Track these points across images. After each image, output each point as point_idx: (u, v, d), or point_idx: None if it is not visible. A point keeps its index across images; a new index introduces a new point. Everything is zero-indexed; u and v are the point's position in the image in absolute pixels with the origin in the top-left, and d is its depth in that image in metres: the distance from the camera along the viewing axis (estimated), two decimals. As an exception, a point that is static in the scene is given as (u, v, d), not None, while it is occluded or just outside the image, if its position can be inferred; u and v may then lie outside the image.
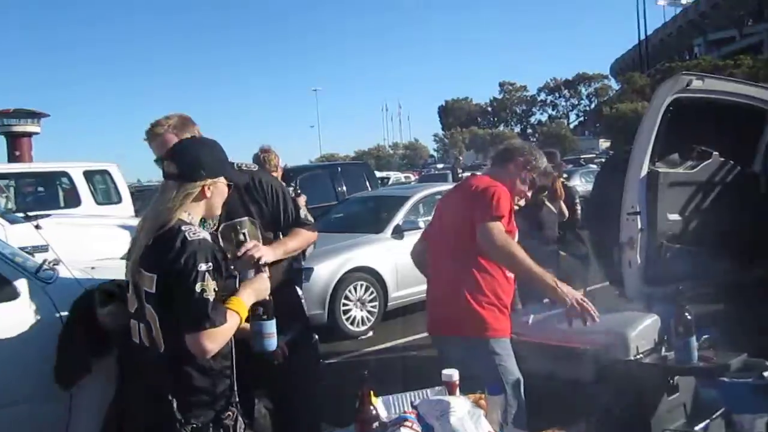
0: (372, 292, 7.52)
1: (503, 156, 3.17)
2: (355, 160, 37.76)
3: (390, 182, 26.19)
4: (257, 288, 2.24)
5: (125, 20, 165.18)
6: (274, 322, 2.29)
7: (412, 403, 2.34)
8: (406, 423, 2.16)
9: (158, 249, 2.02)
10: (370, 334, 7.34)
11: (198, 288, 1.97)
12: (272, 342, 2.30)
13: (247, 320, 2.21)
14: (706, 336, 3.47)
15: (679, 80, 4.02)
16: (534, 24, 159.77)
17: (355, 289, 7.38)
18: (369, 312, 7.49)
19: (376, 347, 6.78)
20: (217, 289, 2.02)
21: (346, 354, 6.51)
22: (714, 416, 3.36)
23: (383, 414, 2.28)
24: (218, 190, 2.19)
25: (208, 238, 2.10)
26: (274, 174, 5.24)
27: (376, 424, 2.15)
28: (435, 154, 70.25)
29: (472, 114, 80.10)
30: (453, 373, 2.39)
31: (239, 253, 2.55)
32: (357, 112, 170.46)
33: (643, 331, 3.44)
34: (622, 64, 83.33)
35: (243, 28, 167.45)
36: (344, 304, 7.27)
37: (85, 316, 2.67)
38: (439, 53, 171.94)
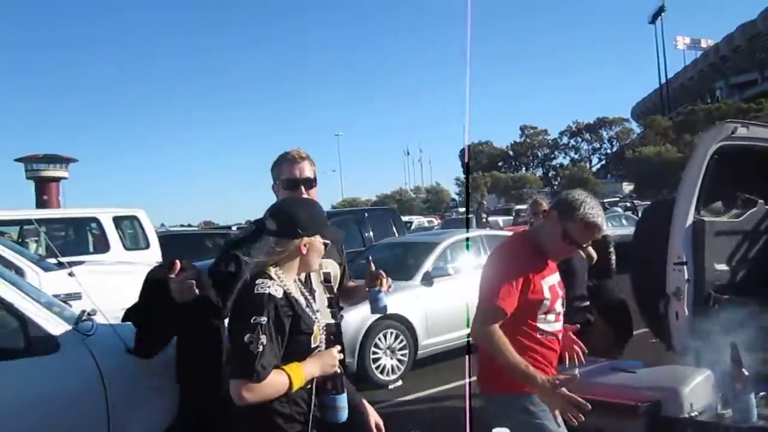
0: (402, 340, 7.39)
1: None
2: (377, 205, 37.86)
3: (413, 227, 26.15)
4: (324, 362, 2.25)
5: (143, 62, 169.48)
6: (345, 396, 2.29)
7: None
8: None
9: (236, 296, 2.13)
10: (400, 382, 7.18)
11: (246, 339, 2.02)
12: (343, 414, 2.29)
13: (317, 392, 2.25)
14: (763, 393, 3.34)
15: (724, 128, 3.97)
16: (554, 68, 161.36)
17: (385, 337, 7.26)
18: (399, 360, 7.35)
19: (407, 397, 6.62)
20: (266, 343, 2.02)
21: (378, 404, 6.35)
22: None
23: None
24: (314, 247, 2.29)
25: (278, 294, 2.13)
26: None
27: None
28: (456, 197, 70.28)
29: (494, 158, 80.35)
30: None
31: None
32: (378, 156, 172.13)
33: (696, 386, 3.32)
34: (642, 107, 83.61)
35: (266, 69, 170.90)
36: (374, 352, 7.13)
37: (158, 287, 2.64)
38: (459, 97, 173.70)
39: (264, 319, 2.04)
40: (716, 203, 4.23)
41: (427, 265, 8.02)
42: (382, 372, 7.18)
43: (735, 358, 3.11)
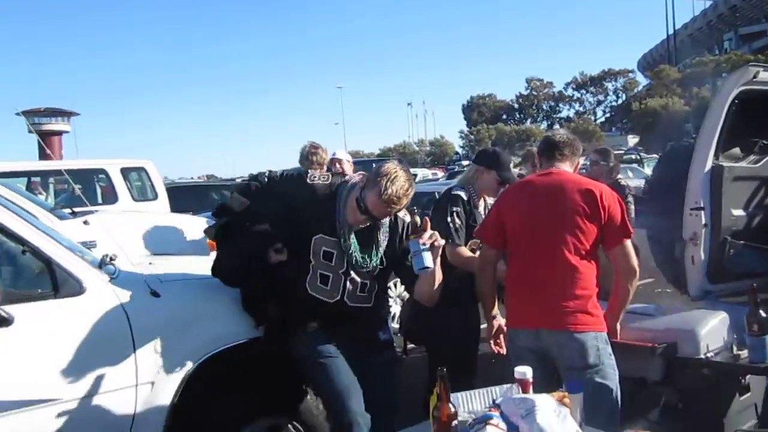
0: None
1: (575, 150, 3.26)
2: (382, 157, 37.69)
3: (417, 179, 26.10)
4: None
5: (142, 16, 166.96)
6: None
7: (494, 400, 2.28)
8: (491, 422, 2.11)
9: None
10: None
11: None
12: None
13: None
14: (778, 335, 3.37)
15: (747, 71, 3.91)
16: (559, 20, 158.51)
17: (395, 285, 7.31)
18: (409, 308, 7.40)
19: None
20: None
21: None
22: (790, 417, 3.26)
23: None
24: None
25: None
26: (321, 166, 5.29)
27: (455, 423, 2.11)
28: (460, 150, 69.86)
29: (498, 111, 79.60)
30: (527, 371, 2.34)
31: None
32: (381, 109, 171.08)
33: (712, 329, 3.37)
34: (649, 59, 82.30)
35: (267, 24, 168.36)
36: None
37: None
38: (463, 50, 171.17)
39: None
40: (734, 149, 4.21)
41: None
42: (392, 320, 7.25)
43: (753, 301, 3.13)
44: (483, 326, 3.71)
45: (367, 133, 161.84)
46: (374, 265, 2.95)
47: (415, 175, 27.13)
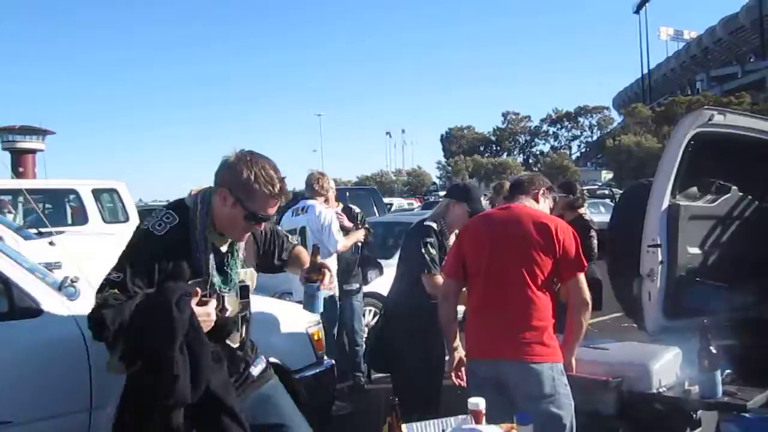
0: (378, 317, 7.44)
1: (534, 183, 3.32)
2: (359, 185, 37.78)
3: (393, 208, 26.18)
4: None
5: (125, 35, 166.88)
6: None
7: (443, 431, 2.31)
8: (440, 452, 2.14)
9: None
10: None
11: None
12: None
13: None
14: (728, 371, 3.45)
15: (702, 114, 4.05)
16: (537, 56, 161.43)
17: (363, 315, 7.31)
18: (377, 337, 7.39)
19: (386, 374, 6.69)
20: None
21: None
22: (737, 453, 3.32)
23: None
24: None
25: None
26: (324, 197, 5.50)
27: (405, 453, 2.13)
28: (437, 181, 70.39)
29: (475, 143, 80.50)
30: (479, 402, 2.37)
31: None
32: (360, 137, 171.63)
33: (665, 364, 3.43)
34: (624, 96, 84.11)
35: (248, 47, 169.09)
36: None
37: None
38: (442, 82, 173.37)
39: None
40: (691, 188, 4.33)
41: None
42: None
43: (704, 337, 3.21)
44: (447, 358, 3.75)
45: (345, 161, 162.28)
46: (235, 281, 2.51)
47: (391, 205, 27.06)
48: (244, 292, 2.57)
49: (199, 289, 2.27)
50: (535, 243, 3.00)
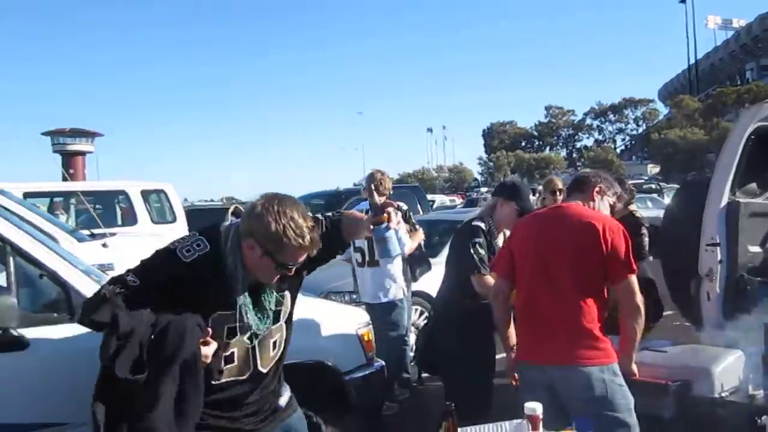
0: (427, 317, 7.42)
1: (588, 182, 3.21)
2: (400, 183, 37.84)
3: (435, 205, 26.14)
4: None
5: (158, 36, 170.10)
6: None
7: (500, 436, 2.28)
8: (499, 459, 2.11)
9: None
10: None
11: None
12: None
13: None
14: (795, 375, 3.34)
15: (762, 108, 3.93)
16: (581, 48, 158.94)
17: (410, 314, 7.29)
18: (425, 337, 7.37)
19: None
20: None
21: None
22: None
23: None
24: None
25: None
26: (386, 198, 5.34)
27: (462, 458, 2.11)
28: (479, 177, 69.96)
29: (517, 138, 79.77)
30: (537, 407, 2.33)
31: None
32: (401, 134, 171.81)
33: (727, 367, 3.34)
34: (670, 88, 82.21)
35: (290, 49, 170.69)
36: (399, 329, 7.17)
37: None
38: (484, 77, 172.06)
39: None
40: (751, 184, 4.20)
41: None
42: (410, 350, 7.21)
43: (768, 340, 3.11)
44: (500, 356, 3.71)
45: (386, 158, 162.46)
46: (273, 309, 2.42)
47: (433, 202, 26.98)
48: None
49: (210, 329, 2.20)
50: (581, 243, 2.94)
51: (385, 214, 2.56)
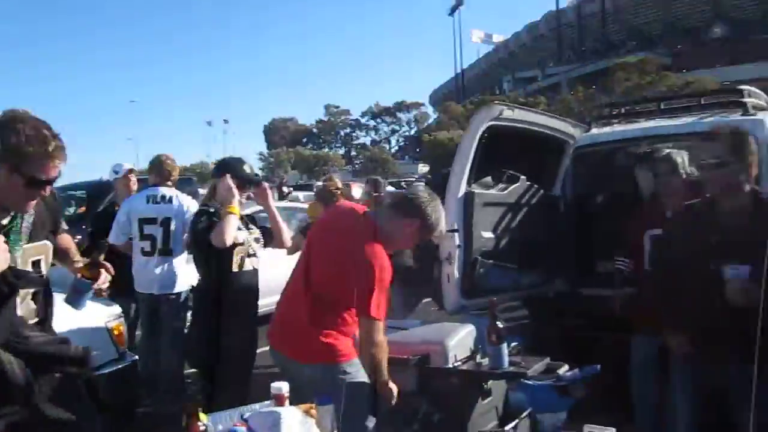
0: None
1: (406, 208, 3.03)
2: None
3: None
4: None
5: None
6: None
7: (241, 415, 2.32)
8: (236, 436, 2.15)
9: None
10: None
11: None
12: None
13: None
14: (515, 343, 3.79)
15: (493, 109, 4.39)
16: (359, 52, 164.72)
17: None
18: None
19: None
20: None
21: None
22: (522, 417, 3.65)
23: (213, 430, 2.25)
24: None
25: None
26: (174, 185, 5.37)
27: (201, 442, 2.13)
28: (260, 172, 68.93)
29: (298, 134, 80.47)
30: (282, 386, 2.42)
31: None
32: (178, 126, 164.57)
33: (460, 340, 3.68)
34: (440, 94, 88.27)
35: (56, 23, 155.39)
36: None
37: None
38: (266, 72, 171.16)
39: None
40: (486, 178, 4.67)
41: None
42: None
43: (492, 314, 3.48)
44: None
45: (162, 150, 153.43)
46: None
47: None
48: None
49: None
50: (325, 244, 3.12)
51: (98, 273, 2.53)
